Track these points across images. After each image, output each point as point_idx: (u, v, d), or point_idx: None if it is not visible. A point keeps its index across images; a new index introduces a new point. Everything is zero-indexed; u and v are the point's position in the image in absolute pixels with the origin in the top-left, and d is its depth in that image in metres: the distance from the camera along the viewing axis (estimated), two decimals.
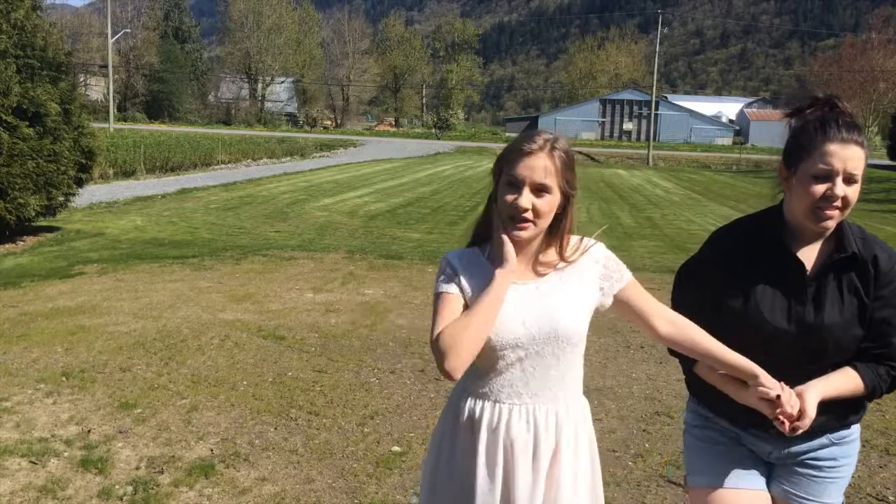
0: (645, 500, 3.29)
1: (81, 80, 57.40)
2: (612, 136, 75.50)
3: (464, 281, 1.67)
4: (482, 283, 1.64)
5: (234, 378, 4.66)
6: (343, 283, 7.72)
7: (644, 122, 69.76)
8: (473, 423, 1.68)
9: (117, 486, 3.24)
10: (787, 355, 1.77)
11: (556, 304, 1.66)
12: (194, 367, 4.86)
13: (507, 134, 75.10)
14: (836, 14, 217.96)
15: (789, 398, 1.65)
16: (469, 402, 1.70)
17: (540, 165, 1.59)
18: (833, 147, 1.69)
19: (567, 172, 1.63)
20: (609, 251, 1.76)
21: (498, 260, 1.66)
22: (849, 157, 1.69)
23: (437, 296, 1.68)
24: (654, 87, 46.81)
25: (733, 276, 1.81)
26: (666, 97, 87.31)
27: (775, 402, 1.65)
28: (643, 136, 67.54)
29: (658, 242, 12.32)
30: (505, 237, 1.63)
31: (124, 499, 3.16)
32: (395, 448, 3.73)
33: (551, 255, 1.70)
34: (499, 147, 50.31)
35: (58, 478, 3.30)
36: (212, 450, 3.64)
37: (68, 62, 10.44)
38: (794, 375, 1.73)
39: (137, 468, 3.42)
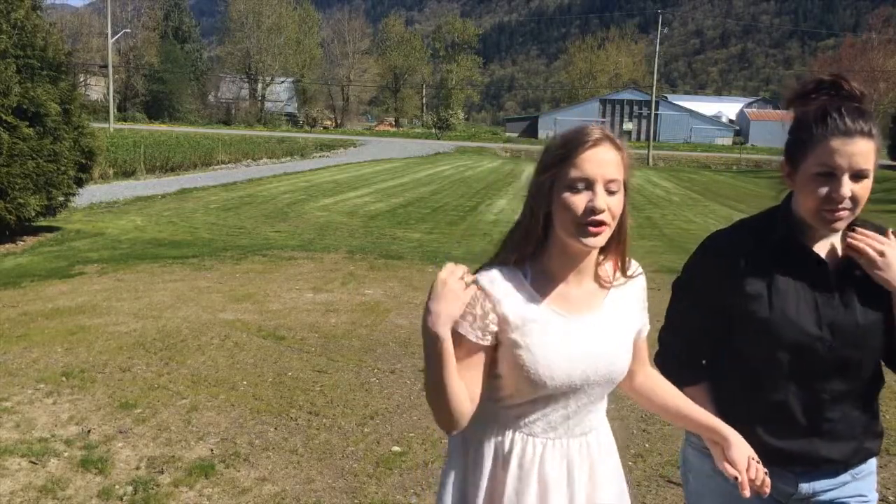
0: (645, 501, 3.29)
1: (81, 80, 57.39)
2: None
3: (506, 314, 1.41)
4: (528, 313, 1.42)
5: (234, 378, 4.66)
6: (343, 283, 7.72)
7: (644, 122, 69.76)
8: (500, 459, 1.48)
9: (117, 486, 3.24)
10: (818, 370, 1.56)
11: (616, 344, 1.49)
12: (194, 367, 4.86)
13: (508, 134, 75.17)
14: (836, 14, 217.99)
15: (755, 474, 1.48)
16: (496, 436, 1.49)
17: (609, 159, 1.37)
18: (835, 143, 1.47)
19: (630, 164, 1.43)
20: None
21: (544, 279, 1.45)
22: (854, 152, 1.47)
23: (458, 336, 1.41)
24: (654, 87, 46.81)
25: (745, 282, 1.58)
26: (666, 97, 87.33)
27: (736, 481, 1.48)
28: (643, 136, 67.51)
29: (658, 242, 12.32)
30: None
31: (124, 499, 3.16)
32: (395, 448, 3.73)
33: (607, 269, 1.51)
34: (499, 147, 50.46)
35: (58, 478, 3.30)
36: (212, 450, 3.64)
37: (68, 62, 10.45)
38: (826, 401, 1.55)
39: (137, 468, 3.42)
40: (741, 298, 1.58)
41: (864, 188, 1.50)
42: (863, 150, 1.48)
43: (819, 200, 1.50)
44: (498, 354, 1.45)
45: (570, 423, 1.50)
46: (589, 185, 1.37)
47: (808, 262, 1.57)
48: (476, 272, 1.46)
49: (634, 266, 1.56)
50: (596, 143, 1.37)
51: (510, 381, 1.45)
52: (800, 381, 1.55)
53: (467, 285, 1.40)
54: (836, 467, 1.60)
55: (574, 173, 1.37)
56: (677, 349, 1.74)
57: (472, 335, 1.42)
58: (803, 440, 1.58)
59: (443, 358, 1.37)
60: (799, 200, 1.58)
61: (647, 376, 1.66)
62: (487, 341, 1.42)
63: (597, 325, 1.47)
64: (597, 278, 1.50)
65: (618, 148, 1.40)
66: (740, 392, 1.64)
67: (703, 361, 1.72)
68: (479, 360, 1.44)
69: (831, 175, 1.49)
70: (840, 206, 1.49)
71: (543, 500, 1.47)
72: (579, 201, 1.36)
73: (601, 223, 1.37)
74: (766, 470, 1.50)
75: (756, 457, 1.51)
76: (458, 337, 1.42)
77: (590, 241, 1.38)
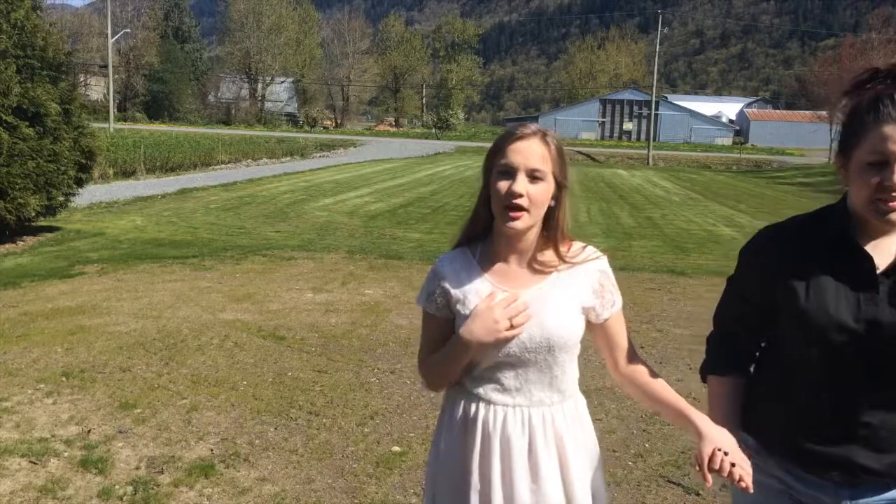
0: (645, 501, 3.29)
1: (81, 80, 57.44)
2: (612, 136, 75.48)
3: (451, 289, 1.64)
4: (471, 287, 1.63)
5: (234, 378, 4.66)
6: (343, 283, 7.72)
7: (644, 122, 69.79)
8: (467, 424, 1.65)
9: (117, 486, 3.24)
10: (854, 370, 1.50)
11: (548, 313, 1.59)
12: (194, 367, 4.86)
13: None
14: (836, 14, 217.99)
15: (718, 465, 1.48)
16: (463, 402, 1.67)
17: (533, 151, 1.55)
18: (887, 129, 1.41)
19: (560, 160, 1.59)
20: (610, 269, 1.70)
21: (490, 259, 1.65)
22: None
23: (422, 311, 1.72)
24: (654, 87, 46.81)
25: (786, 276, 1.56)
26: (666, 97, 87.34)
27: (699, 471, 1.50)
28: (643, 136, 67.56)
29: (658, 242, 12.31)
30: (483, 303, 1.59)
31: (124, 499, 3.16)
32: (395, 448, 3.73)
33: (549, 255, 1.64)
34: None
35: (58, 478, 3.30)
36: (212, 450, 3.64)
37: (68, 62, 10.45)
38: (862, 405, 1.49)
39: (137, 468, 3.42)
40: (783, 292, 1.56)
41: None
42: None
43: (872, 189, 1.45)
44: (456, 326, 1.64)
45: (526, 392, 1.63)
46: (512, 172, 1.55)
47: (855, 259, 1.52)
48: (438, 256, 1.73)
49: (590, 251, 1.68)
50: (524, 136, 1.57)
51: None
52: (834, 381, 1.50)
53: (513, 324, 1.57)
54: (885, 481, 1.50)
55: (502, 161, 1.57)
56: (712, 337, 1.76)
57: (430, 307, 1.68)
58: (838, 446, 1.52)
59: (463, 360, 1.62)
60: (852, 193, 1.53)
61: (629, 364, 1.71)
62: (443, 314, 1.67)
63: (532, 297, 1.61)
64: (538, 261, 1.64)
65: (546, 144, 1.57)
66: (774, 392, 1.62)
67: (736, 355, 1.70)
68: (442, 331, 1.67)
69: (884, 163, 1.43)
70: (893, 195, 1.43)
71: (507, 464, 1.60)
72: (503, 186, 1.55)
73: (519, 207, 1.54)
74: (733, 462, 1.47)
75: (728, 450, 1.49)
76: (422, 311, 1.70)
77: (510, 223, 1.56)
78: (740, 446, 1.53)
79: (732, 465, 1.48)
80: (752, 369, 1.69)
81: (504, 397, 1.63)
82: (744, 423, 1.68)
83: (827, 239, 1.55)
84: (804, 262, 1.55)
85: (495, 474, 1.60)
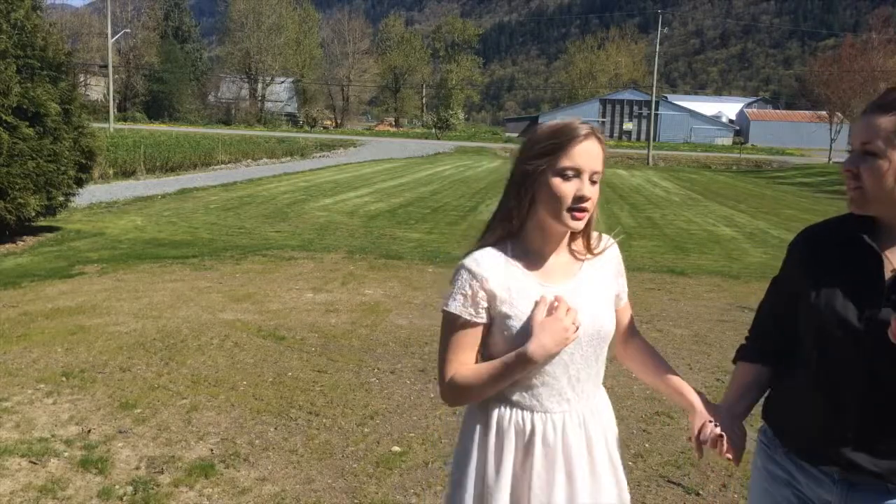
0: (645, 501, 3.29)
1: (81, 80, 57.37)
2: (612, 136, 75.45)
3: (495, 290, 1.54)
4: (516, 287, 1.55)
5: (234, 378, 4.66)
6: (343, 283, 7.72)
7: (644, 122, 69.79)
8: (522, 438, 1.56)
9: (117, 486, 3.24)
10: (851, 368, 1.51)
11: (594, 304, 1.61)
12: (194, 367, 4.86)
13: (508, 134, 75.15)
14: (836, 14, 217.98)
15: (707, 435, 1.57)
16: (514, 416, 1.57)
17: (596, 152, 1.53)
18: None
19: (605, 158, 1.59)
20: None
21: (525, 255, 1.59)
22: None
23: (451, 318, 1.56)
24: (654, 87, 46.80)
25: (808, 273, 1.61)
26: (666, 97, 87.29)
27: (693, 440, 1.60)
28: (643, 136, 67.55)
29: (658, 242, 12.31)
30: (541, 300, 1.54)
31: (124, 499, 3.16)
32: (395, 448, 3.73)
33: (579, 246, 1.66)
34: (499, 147, 50.45)
35: (58, 478, 3.30)
36: (212, 450, 3.64)
37: (68, 62, 10.44)
38: (863, 405, 1.50)
39: (137, 468, 3.42)
40: (800, 287, 1.62)
41: None
42: None
43: None
44: (492, 331, 1.57)
45: (580, 391, 1.60)
46: (578, 174, 1.51)
47: (865, 257, 1.54)
48: (463, 257, 1.60)
49: (606, 239, 1.70)
50: (587, 136, 1.51)
51: (502, 354, 1.55)
52: (835, 378, 1.53)
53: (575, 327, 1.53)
54: (885, 485, 1.50)
55: (566, 163, 1.50)
56: (750, 328, 1.82)
57: (466, 313, 1.55)
58: (837, 444, 1.53)
59: (520, 376, 1.54)
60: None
61: (634, 342, 1.79)
62: (481, 318, 1.55)
63: (574, 291, 1.59)
64: (570, 253, 1.64)
65: (601, 142, 1.54)
66: (787, 386, 1.67)
67: (764, 347, 1.74)
68: (475, 339, 1.57)
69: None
70: None
71: (568, 469, 1.56)
72: (568, 189, 1.51)
73: (585, 210, 1.53)
74: (719, 432, 1.56)
75: (714, 419, 1.59)
76: (451, 318, 1.56)
77: (574, 223, 1.53)
78: (737, 424, 1.62)
79: (721, 436, 1.56)
80: (778, 362, 1.73)
81: (560, 403, 1.58)
82: (764, 411, 1.75)
83: (844, 238, 1.58)
84: (822, 259, 1.60)
85: (559, 486, 1.56)
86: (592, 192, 1.52)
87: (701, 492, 3.36)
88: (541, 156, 1.52)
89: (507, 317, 1.54)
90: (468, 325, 1.55)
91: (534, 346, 1.50)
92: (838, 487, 1.55)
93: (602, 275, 1.66)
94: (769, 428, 1.71)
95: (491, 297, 1.54)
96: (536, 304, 1.54)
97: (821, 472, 1.57)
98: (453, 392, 1.57)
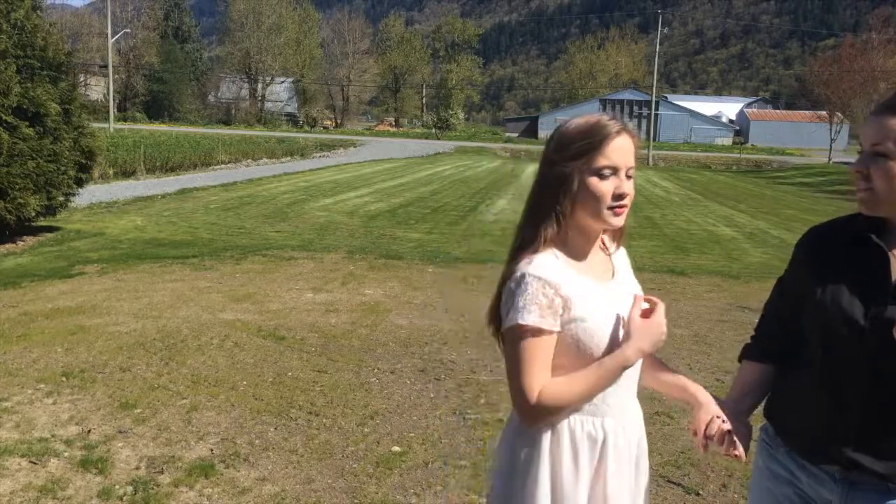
0: None
1: (81, 80, 57.36)
2: None
3: (570, 296, 1.49)
4: (582, 290, 1.51)
5: (234, 378, 4.66)
6: (343, 283, 7.72)
7: (644, 122, 69.75)
8: (590, 442, 1.55)
9: (117, 486, 3.24)
10: (855, 366, 1.51)
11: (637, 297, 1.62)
12: (194, 367, 4.86)
13: (508, 134, 75.15)
14: (836, 14, 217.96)
15: (714, 431, 1.59)
16: (581, 420, 1.55)
17: (630, 148, 1.52)
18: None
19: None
20: None
21: (572, 256, 1.56)
22: None
23: (528, 331, 1.47)
24: (654, 87, 46.84)
25: (813, 271, 1.61)
26: (666, 97, 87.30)
27: (697, 435, 1.62)
28: (643, 136, 67.49)
29: (658, 242, 12.31)
30: (636, 303, 1.54)
31: (124, 499, 3.16)
32: (395, 448, 3.73)
33: (607, 241, 1.68)
34: (499, 147, 50.46)
35: (58, 478, 3.30)
36: (212, 450, 3.64)
37: (68, 62, 10.44)
38: (867, 405, 1.49)
39: (137, 468, 3.42)
40: (806, 285, 1.62)
41: None
42: None
43: None
44: (559, 339, 1.51)
45: (633, 394, 1.64)
46: (615, 171, 1.50)
47: (870, 255, 1.54)
48: (511, 266, 1.54)
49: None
50: (619, 133, 1.50)
51: (568, 364, 1.51)
52: (839, 376, 1.52)
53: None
54: (887, 485, 1.50)
55: (602, 161, 1.49)
56: (756, 327, 1.82)
57: (545, 324, 1.47)
58: (839, 443, 1.53)
59: (616, 379, 1.52)
60: None
61: None
62: (558, 327, 1.49)
63: (619, 288, 1.60)
64: (601, 250, 1.64)
65: (633, 137, 1.53)
66: (790, 384, 1.67)
67: (769, 346, 1.75)
68: (552, 350, 1.50)
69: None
70: None
71: (626, 480, 1.64)
72: (607, 187, 1.49)
73: (625, 206, 1.52)
74: (728, 428, 1.57)
75: (722, 416, 1.59)
76: (529, 331, 1.46)
77: (615, 220, 1.52)
78: (742, 422, 1.63)
79: (729, 432, 1.56)
80: (783, 362, 1.73)
81: (626, 407, 1.63)
82: (766, 410, 1.74)
83: (851, 237, 1.58)
84: (828, 258, 1.60)
85: (629, 489, 1.67)
86: (629, 187, 1.52)
87: (701, 492, 3.36)
88: (577, 156, 1.50)
89: (580, 320, 1.49)
90: (546, 334, 1.47)
91: (632, 349, 1.49)
92: (839, 486, 1.55)
93: (626, 269, 1.69)
94: (771, 426, 1.71)
95: (566, 303, 1.48)
96: (632, 304, 1.55)
97: (822, 471, 1.57)
98: (546, 410, 1.48)
